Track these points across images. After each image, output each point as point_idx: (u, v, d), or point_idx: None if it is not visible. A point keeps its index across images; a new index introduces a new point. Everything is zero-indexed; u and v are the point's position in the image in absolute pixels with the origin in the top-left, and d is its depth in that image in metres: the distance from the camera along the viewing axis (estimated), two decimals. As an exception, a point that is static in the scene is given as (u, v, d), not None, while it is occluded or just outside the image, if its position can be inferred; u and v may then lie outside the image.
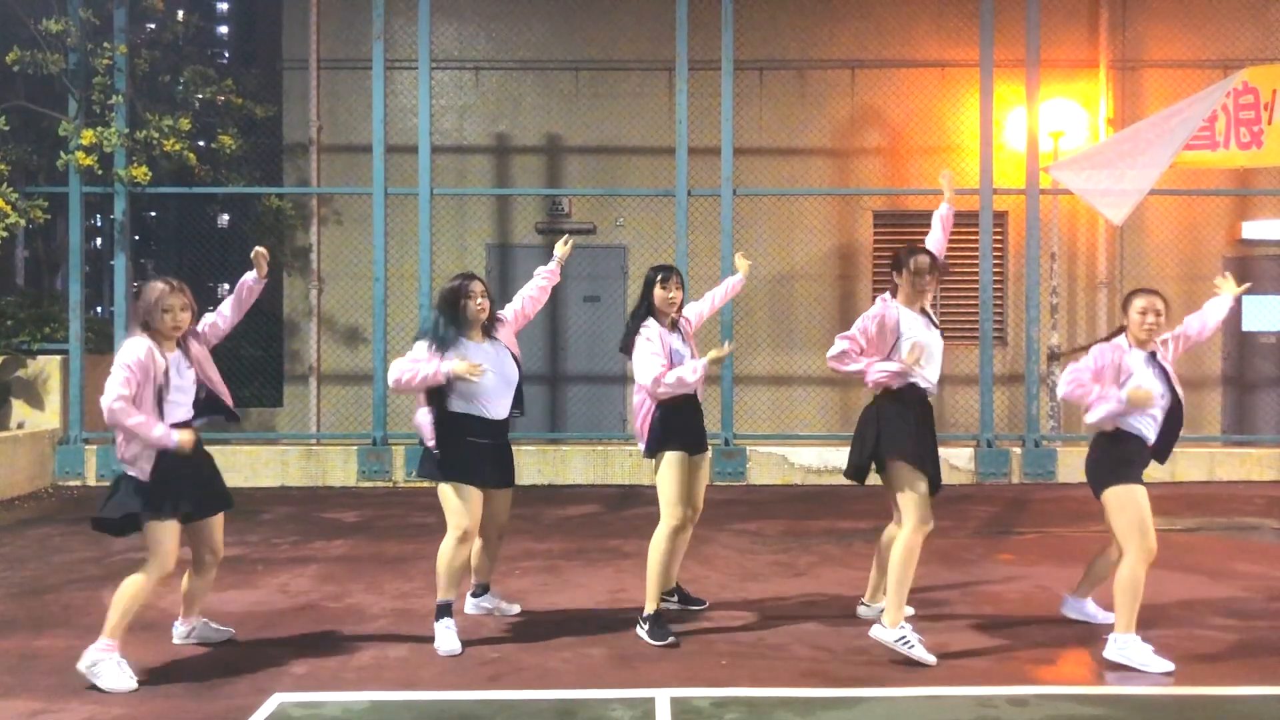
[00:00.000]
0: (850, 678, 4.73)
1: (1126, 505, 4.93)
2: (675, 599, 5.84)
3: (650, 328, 5.38)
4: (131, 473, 4.68)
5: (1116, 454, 5.04)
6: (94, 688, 4.58)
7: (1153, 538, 4.91)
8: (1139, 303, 5.09)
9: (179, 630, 5.27)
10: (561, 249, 6.06)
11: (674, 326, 5.52)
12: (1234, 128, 8.39)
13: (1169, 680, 4.68)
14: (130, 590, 4.70)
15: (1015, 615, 5.73)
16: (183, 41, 11.55)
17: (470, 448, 5.21)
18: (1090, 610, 5.57)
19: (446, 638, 5.13)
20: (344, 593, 6.27)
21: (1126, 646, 4.88)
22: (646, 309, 5.44)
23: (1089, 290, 12.22)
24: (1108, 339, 5.21)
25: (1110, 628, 5.02)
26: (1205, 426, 12.03)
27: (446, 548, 5.18)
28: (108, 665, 4.63)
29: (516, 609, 5.82)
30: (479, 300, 5.26)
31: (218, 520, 5.04)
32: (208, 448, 4.97)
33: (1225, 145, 8.44)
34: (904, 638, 4.90)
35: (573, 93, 12.40)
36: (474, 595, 5.79)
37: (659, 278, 5.44)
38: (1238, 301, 5.61)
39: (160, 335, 4.74)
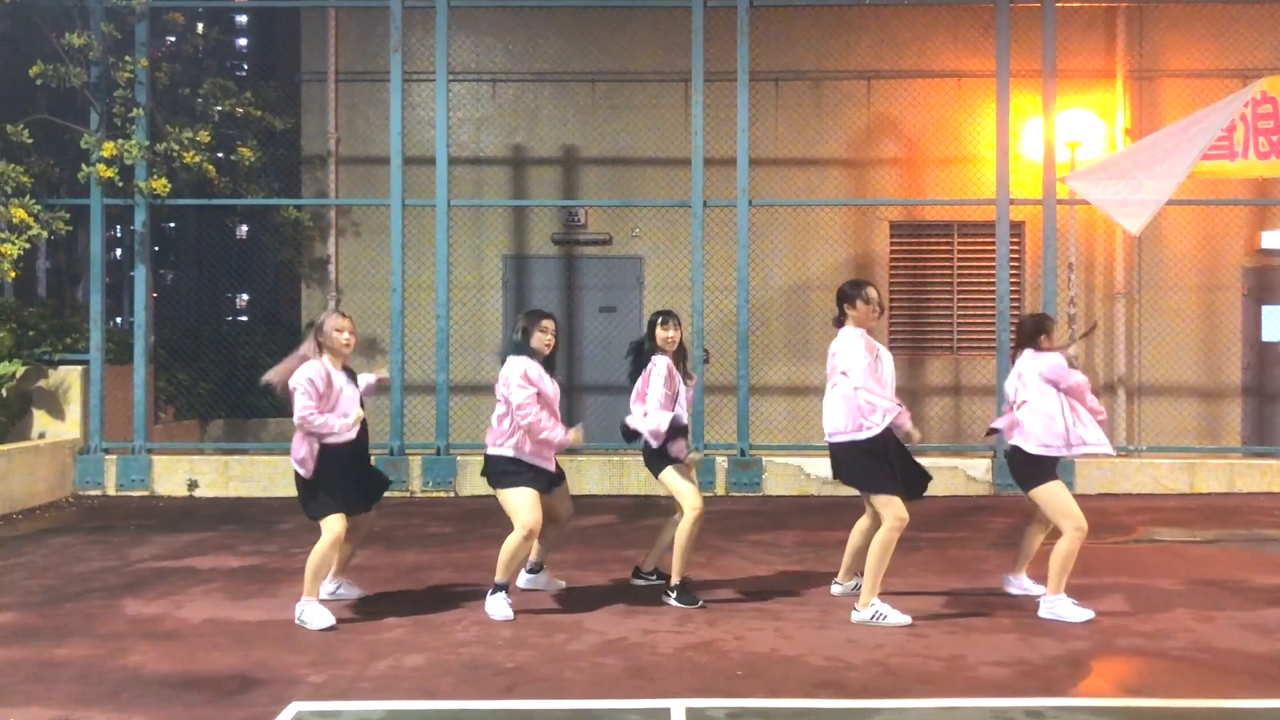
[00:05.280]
0: (865, 689, 4.72)
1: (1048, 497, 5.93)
2: (654, 576, 6.67)
3: (661, 363, 6.28)
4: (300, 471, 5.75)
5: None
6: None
7: (1081, 518, 5.82)
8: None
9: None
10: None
11: (677, 363, 6.34)
12: (1253, 137, 8.36)
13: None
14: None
15: (1032, 626, 5.70)
16: (202, 55, 11.67)
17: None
18: (1027, 585, 6.31)
19: (500, 607, 5.84)
20: (361, 602, 6.29)
21: (1055, 604, 5.81)
22: (654, 347, 6.36)
23: (1107, 301, 12.16)
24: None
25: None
26: (1225, 438, 11.93)
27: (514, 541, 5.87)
28: (311, 608, 5.65)
29: (563, 584, 6.61)
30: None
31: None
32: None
33: (1244, 155, 8.41)
34: (876, 613, 5.65)
35: (589, 104, 12.46)
36: (531, 572, 6.50)
37: (659, 320, 6.36)
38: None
39: (335, 354, 6.08)
